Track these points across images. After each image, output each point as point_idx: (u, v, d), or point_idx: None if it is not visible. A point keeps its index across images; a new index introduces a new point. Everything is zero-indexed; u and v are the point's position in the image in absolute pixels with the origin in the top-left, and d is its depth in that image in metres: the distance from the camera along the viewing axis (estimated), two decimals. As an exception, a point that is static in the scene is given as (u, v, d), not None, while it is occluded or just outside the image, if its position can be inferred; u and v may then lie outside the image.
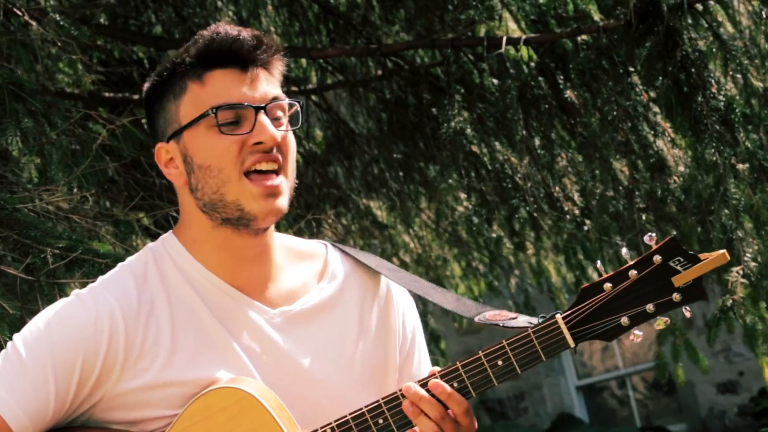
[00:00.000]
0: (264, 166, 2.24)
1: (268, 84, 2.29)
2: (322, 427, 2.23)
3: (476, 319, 2.30)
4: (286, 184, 2.28)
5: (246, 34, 2.27)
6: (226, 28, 2.27)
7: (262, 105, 2.26)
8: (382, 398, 2.23)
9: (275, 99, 2.28)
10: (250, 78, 2.27)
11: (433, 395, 2.20)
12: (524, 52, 5.44)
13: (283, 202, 2.27)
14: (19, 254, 3.65)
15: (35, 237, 3.61)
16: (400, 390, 2.21)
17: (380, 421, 2.22)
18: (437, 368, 2.24)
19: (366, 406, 2.23)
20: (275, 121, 2.27)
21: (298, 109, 2.32)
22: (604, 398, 14.82)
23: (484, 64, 5.50)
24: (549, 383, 14.57)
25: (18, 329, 2.28)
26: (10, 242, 3.67)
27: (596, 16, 5.30)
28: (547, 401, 14.56)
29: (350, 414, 2.22)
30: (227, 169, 2.24)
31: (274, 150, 2.26)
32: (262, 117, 2.25)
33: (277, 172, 2.27)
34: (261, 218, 2.25)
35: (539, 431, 13.90)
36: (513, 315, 2.27)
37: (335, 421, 2.22)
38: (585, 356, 14.81)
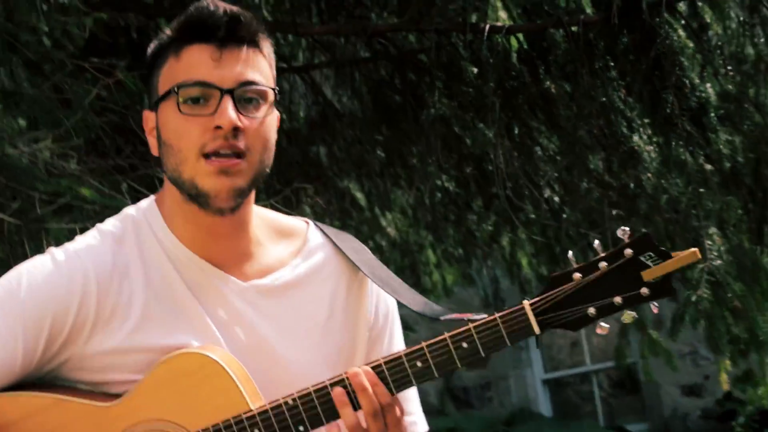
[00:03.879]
0: (224, 151, 2.17)
1: (246, 65, 2.20)
2: (284, 398, 2.21)
3: (442, 318, 2.29)
4: (247, 166, 2.21)
5: (224, 8, 2.19)
6: (207, 1, 2.22)
7: (231, 88, 2.18)
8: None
9: (249, 83, 2.20)
10: (225, 57, 2.19)
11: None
12: (513, 41, 5.46)
13: (239, 181, 2.20)
14: (6, 199, 3.64)
15: (24, 182, 3.60)
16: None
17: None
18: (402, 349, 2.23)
19: (329, 380, 2.21)
20: (246, 104, 2.20)
21: (272, 97, 2.23)
22: (569, 393, 14.90)
23: (464, 51, 5.51)
24: (516, 375, 14.64)
25: (4, 273, 2.30)
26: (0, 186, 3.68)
27: (588, 10, 5.32)
28: (513, 393, 14.63)
29: (312, 387, 2.21)
30: (185, 149, 2.19)
31: (239, 136, 2.18)
32: (227, 101, 2.17)
33: (238, 156, 2.19)
34: (213, 195, 2.19)
35: (500, 421, 13.93)
36: (477, 314, 2.26)
37: (297, 393, 2.21)
38: (553, 350, 14.88)
